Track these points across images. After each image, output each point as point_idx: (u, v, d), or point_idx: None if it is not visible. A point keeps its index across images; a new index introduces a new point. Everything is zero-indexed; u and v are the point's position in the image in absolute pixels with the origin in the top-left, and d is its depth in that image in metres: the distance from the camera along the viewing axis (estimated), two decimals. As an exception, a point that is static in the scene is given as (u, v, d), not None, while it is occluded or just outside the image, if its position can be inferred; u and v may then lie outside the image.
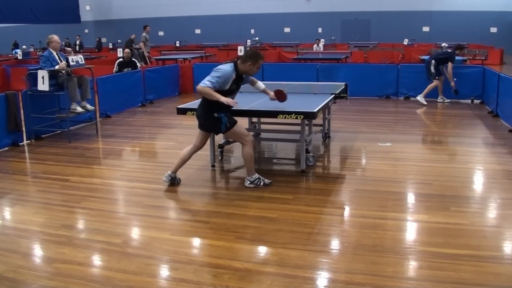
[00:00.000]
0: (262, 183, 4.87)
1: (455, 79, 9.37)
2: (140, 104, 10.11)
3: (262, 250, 3.61)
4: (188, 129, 7.70)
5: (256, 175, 4.87)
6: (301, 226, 3.93)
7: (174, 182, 4.99)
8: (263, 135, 6.64)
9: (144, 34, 14.47)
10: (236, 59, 4.64)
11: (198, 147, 4.96)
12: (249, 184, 4.86)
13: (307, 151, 5.43)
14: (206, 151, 5.73)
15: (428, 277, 3.10)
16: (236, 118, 4.89)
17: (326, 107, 6.10)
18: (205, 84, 4.47)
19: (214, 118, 4.64)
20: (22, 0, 20.49)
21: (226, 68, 4.57)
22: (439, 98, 9.85)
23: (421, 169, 5.45)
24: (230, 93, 4.64)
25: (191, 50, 19.21)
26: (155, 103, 10.58)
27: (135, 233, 4.01)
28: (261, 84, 5.18)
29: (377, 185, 4.89)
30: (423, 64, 12.50)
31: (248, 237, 3.74)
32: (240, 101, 5.81)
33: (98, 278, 3.19)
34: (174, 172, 5.00)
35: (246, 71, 4.64)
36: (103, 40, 25.19)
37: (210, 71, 4.62)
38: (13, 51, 20.13)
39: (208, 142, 5.62)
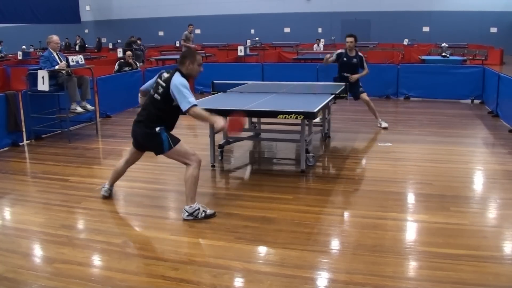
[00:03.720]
0: (203, 215, 4.07)
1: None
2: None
3: (262, 250, 3.61)
4: (188, 129, 7.71)
5: (197, 205, 4.07)
6: (301, 226, 3.93)
7: (110, 195, 4.65)
8: (263, 135, 6.64)
9: (185, 32, 14.15)
10: (175, 70, 4.12)
11: (131, 162, 4.53)
12: (188, 216, 4.05)
13: (307, 151, 5.42)
14: (206, 151, 5.73)
15: (428, 277, 3.10)
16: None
17: (326, 107, 6.10)
18: (193, 103, 3.97)
19: (154, 134, 4.03)
20: (22, 0, 20.46)
21: (182, 79, 4.06)
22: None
23: (421, 169, 5.45)
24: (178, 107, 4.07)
25: (191, 50, 19.17)
26: (155, 103, 10.54)
27: (135, 233, 4.00)
28: None
29: (377, 185, 4.89)
30: (423, 64, 12.53)
31: (248, 237, 3.74)
32: (240, 101, 5.83)
33: (98, 278, 3.19)
34: (111, 185, 4.65)
35: (190, 73, 4.15)
36: (103, 40, 25.19)
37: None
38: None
39: (208, 142, 5.63)
